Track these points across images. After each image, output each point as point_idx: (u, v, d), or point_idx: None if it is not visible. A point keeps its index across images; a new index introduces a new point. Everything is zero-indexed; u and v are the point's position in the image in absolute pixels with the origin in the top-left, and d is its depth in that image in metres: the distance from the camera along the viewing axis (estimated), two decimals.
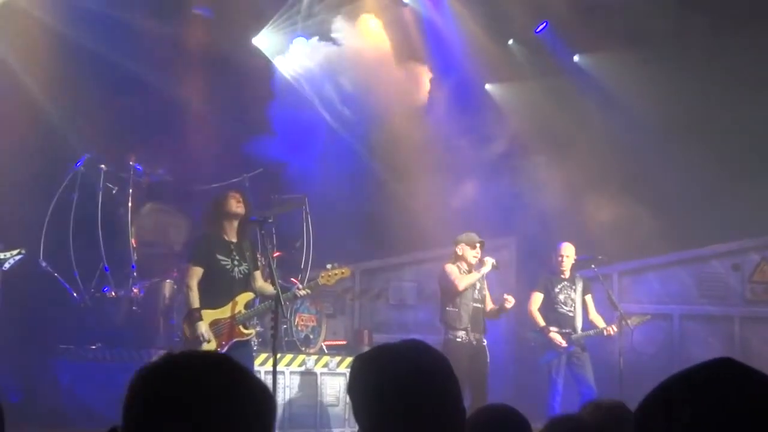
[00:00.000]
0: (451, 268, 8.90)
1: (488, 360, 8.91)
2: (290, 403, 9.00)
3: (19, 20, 9.43)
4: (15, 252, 8.00)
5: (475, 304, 8.89)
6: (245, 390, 1.53)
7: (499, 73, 12.34)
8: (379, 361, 2.17)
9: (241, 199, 7.67)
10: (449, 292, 8.86)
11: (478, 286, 8.98)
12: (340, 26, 11.12)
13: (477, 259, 8.95)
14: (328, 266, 7.97)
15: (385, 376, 2.13)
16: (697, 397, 1.17)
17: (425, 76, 11.73)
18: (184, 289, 7.73)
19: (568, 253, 9.66)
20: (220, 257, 7.59)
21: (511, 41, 12.52)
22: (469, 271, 8.94)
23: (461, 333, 8.75)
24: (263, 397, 1.56)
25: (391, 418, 2.09)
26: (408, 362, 2.15)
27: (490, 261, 8.92)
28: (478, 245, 8.93)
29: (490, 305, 9.15)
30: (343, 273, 7.98)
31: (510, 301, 9.01)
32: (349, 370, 9.20)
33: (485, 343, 8.93)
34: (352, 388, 2.20)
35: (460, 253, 8.95)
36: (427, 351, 2.22)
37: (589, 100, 12.00)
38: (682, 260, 11.78)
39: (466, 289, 8.80)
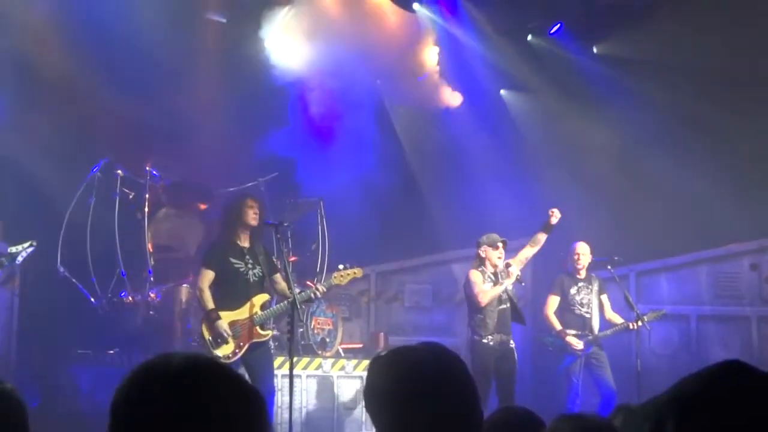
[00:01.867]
0: (475, 277, 8.77)
1: (516, 361, 8.81)
2: (307, 406, 9.03)
3: (36, 24, 9.48)
4: (26, 244, 7.92)
5: (501, 307, 8.79)
6: (225, 392, 1.49)
7: (515, 76, 12.28)
8: (397, 363, 2.17)
9: (257, 211, 7.80)
10: (473, 303, 8.78)
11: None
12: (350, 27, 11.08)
13: (501, 260, 8.84)
14: (341, 267, 8.08)
15: (403, 378, 2.13)
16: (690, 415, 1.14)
17: (441, 78, 11.71)
18: (197, 293, 7.86)
19: (584, 251, 9.64)
20: (233, 260, 7.74)
21: (529, 37, 12.46)
22: (494, 273, 8.83)
23: (488, 336, 8.67)
24: (247, 399, 1.52)
25: (408, 420, 2.09)
26: (425, 364, 2.14)
27: (515, 273, 8.78)
28: (500, 245, 8.81)
29: (524, 252, 9.05)
30: (355, 273, 8.11)
31: (556, 215, 8.94)
32: (366, 372, 9.17)
33: (513, 345, 8.80)
34: (370, 390, 2.19)
35: (483, 255, 8.85)
36: (444, 353, 2.22)
37: (606, 98, 11.93)
38: (699, 260, 11.72)
39: (489, 304, 8.69)
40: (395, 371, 2.15)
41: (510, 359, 8.74)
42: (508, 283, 8.77)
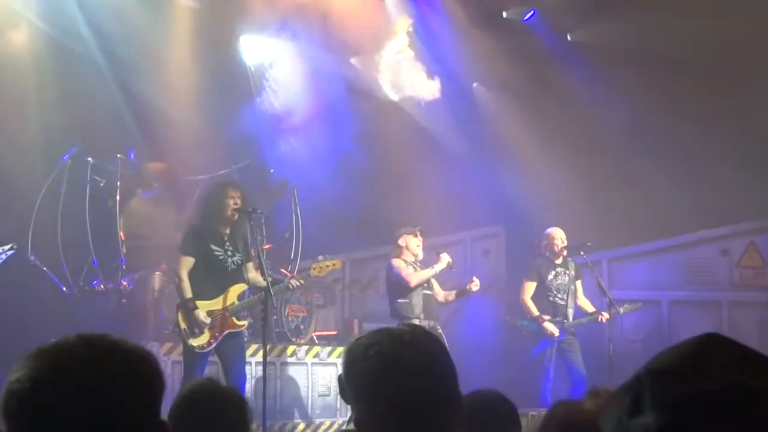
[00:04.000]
0: (398, 263, 8.78)
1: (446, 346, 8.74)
2: (281, 393, 8.99)
3: (2, 14, 9.36)
4: (7, 247, 7.90)
5: (425, 291, 8.79)
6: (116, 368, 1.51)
7: (489, 63, 12.27)
8: (374, 346, 2.14)
9: (238, 201, 7.64)
10: (399, 287, 8.75)
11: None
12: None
13: (420, 248, 8.88)
14: (320, 258, 8.05)
15: (381, 361, 2.10)
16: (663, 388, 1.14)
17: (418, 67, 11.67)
18: (175, 280, 7.74)
19: (562, 236, 9.68)
20: (214, 247, 7.62)
21: (504, 14, 12.45)
22: (415, 261, 8.85)
23: (415, 321, 8.57)
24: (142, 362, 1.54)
25: (387, 402, 2.07)
26: (404, 346, 2.12)
27: (446, 259, 8.77)
28: (418, 233, 8.86)
29: (441, 293, 9.03)
30: (334, 265, 8.08)
31: (476, 285, 8.88)
32: (340, 359, 9.25)
33: (440, 330, 8.74)
34: (347, 376, 2.16)
35: (402, 244, 8.87)
36: (423, 334, 2.21)
37: (579, 87, 11.94)
38: (671, 246, 11.82)
39: (418, 285, 8.70)
40: (374, 354, 2.12)
41: None
42: (438, 268, 8.74)
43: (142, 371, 1.54)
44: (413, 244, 8.84)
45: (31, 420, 1.48)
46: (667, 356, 1.15)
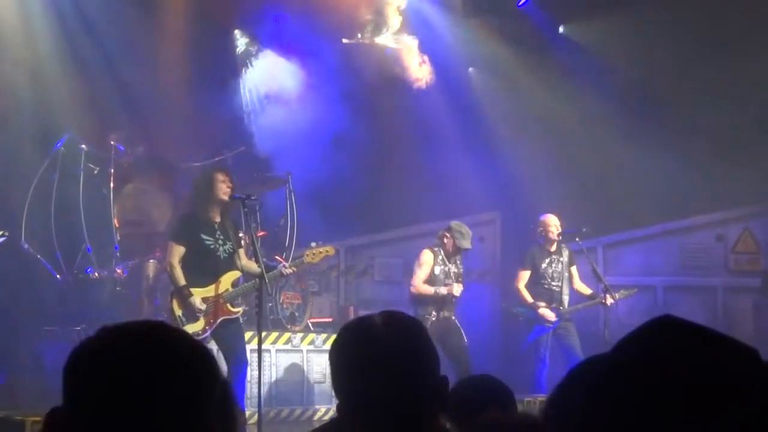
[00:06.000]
0: (426, 256, 8.84)
1: (463, 334, 8.81)
2: (276, 380, 9.00)
3: None
4: None
5: (444, 283, 8.86)
6: (179, 355, 1.44)
7: (484, 48, 12.21)
8: (353, 332, 2.16)
9: (230, 184, 7.61)
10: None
11: (453, 271, 8.89)
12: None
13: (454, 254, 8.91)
14: (313, 244, 8.01)
15: (356, 347, 2.12)
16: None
17: (413, 50, 11.61)
18: (167, 268, 7.70)
19: (555, 223, 9.64)
20: (204, 236, 7.58)
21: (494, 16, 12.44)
22: (448, 260, 8.87)
23: (430, 309, 8.73)
24: (199, 359, 1.46)
25: (357, 392, 2.08)
26: (373, 334, 2.11)
27: (457, 290, 8.77)
28: (467, 246, 8.85)
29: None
30: (327, 251, 8.03)
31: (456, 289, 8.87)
32: None
33: (454, 319, 8.84)
34: (330, 365, 2.18)
35: (446, 241, 8.90)
36: (400, 318, 2.20)
37: (573, 73, 11.94)
38: (666, 232, 11.84)
39: (418, 294, 8.75)
40: (349, 341, 2.14)
41: (455, 332, 8.75)
42: (441, 293, 8.75)
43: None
44: (452, 246, 8.85)
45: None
46: (627, 348, 1.20)
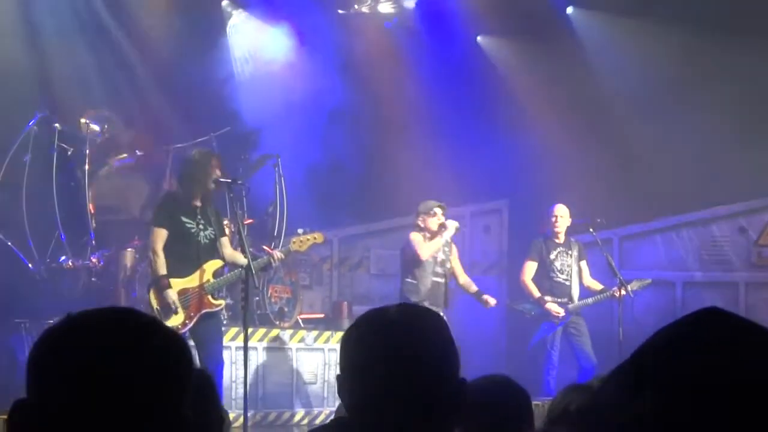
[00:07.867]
0: (415, 236, 8.78)
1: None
2: (263, 381, 8.83)
3: None
4: None
5: (435, 278, 8.76)
6: (151, 343, 1.45)
7: (492, 24, 11.92)
8: (356, 329, 2.03)
9: (219, 172, 7.43)
10: (410, 262, 8.75)
11: (440, 258, 8.79)
12: None
13: (440, 225, 8.82)
14: (300, 231, 7.88)
15: (363, 345, 1.99)
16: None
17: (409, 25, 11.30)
18: (149, 255, 7.53)
19: (562, 213, 9.52)
20: (185, 219, 7.38)
21: None
22: (433, 238, 8.80)
23: (419, 302, 8.46)
24: (172, 347, 1.47)
25: (370, 390, 1.95)
26: (388, 327, 1.98)
27: (453, 225, 8.78)
28: (438, 211, 8.77)
29: (464, 277, 9.08)
30: (315, 238, 7.91)
31: (491, 303, 8.94)
32: (327, 345, 9.04)
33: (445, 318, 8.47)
34: (339, 364, 2.05)
35: (421, 225, 8.82)
36: (416, 314, 2.07)
37: (587, 57, 11.78)
38: (686, 223, 11.65)
39: (428, 258, 8.69)
40: (355, 338, 2.01)
41: None
42: (447, 236, 8.75)
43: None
44: (432, 223, 8.79)
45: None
46: (667, 332, 1.17)
